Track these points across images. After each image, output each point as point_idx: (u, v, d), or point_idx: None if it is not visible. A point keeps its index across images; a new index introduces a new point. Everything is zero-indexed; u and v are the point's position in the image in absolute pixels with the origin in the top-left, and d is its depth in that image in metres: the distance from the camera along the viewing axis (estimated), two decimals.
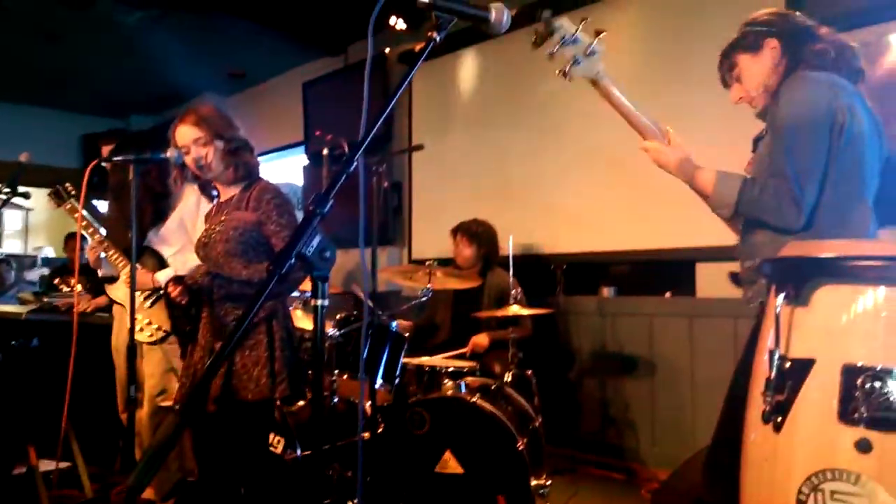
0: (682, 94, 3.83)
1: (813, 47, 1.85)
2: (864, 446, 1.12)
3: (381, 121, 1.40)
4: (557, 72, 1.92)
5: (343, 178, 1.32)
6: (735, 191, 1.78)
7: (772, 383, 1.25)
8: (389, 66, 5.49)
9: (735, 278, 2.06)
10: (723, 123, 3.59)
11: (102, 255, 3.22)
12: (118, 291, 3.27)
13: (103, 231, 3.31)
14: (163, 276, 3.12)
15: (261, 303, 1.25)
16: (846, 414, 1.15)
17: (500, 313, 3.57)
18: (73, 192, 3.32)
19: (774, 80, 1.91)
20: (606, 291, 4.30)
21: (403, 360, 3.28)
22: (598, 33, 1.92)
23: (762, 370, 1.31)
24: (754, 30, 1.95)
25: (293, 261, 1.27)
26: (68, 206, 3.31)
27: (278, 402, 2.56)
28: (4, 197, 3.47)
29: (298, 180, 6.38)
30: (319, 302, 1.32)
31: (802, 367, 1.23)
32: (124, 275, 3.19)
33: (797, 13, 2.03)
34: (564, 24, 1.88)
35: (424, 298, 3.60)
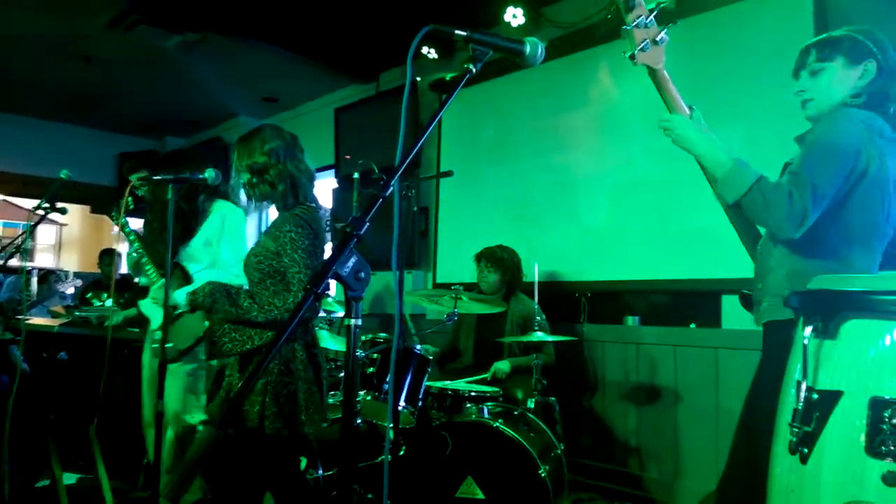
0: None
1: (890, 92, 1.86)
2: (891, 479, 1.12)
3: (417, 147, 1.44)
4: (627, 54, 1.92)
5: (379, 201, 1.36)
6: (752, 178, 1.74)
7: (799, 415, 1.26)
8: (420, 94, 5.59)
9: (745, 300, 2.04)
10: (743, 155, 3.60)
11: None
12: (146, 305, 3.34)
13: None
14: (179, 294, 3.19)
15: (296, 322, 1.29)
16: (873, 447, 1.15)
17: (523, 339, 3.58)
18: (132, 208, 3.37)
19: (841, 100, 1.88)
20: (630, 320, 4.29)
21: (426, 383, 3.29)
22: (668, 22, 1.93)
23: (789, 401, 1.32)
24: (863, 42, 1.88)
25: (329, 281, 1.31)
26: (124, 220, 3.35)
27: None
28: (42, 212, 3.57)
29: (328, 203, 6.48)
30: (353, 322, 1.35)
31: (830, 400, 1.23)
32: (153, 290, 3.26)
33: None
34: (643, 3, 1.89)
35: (450, 322, 3.62)
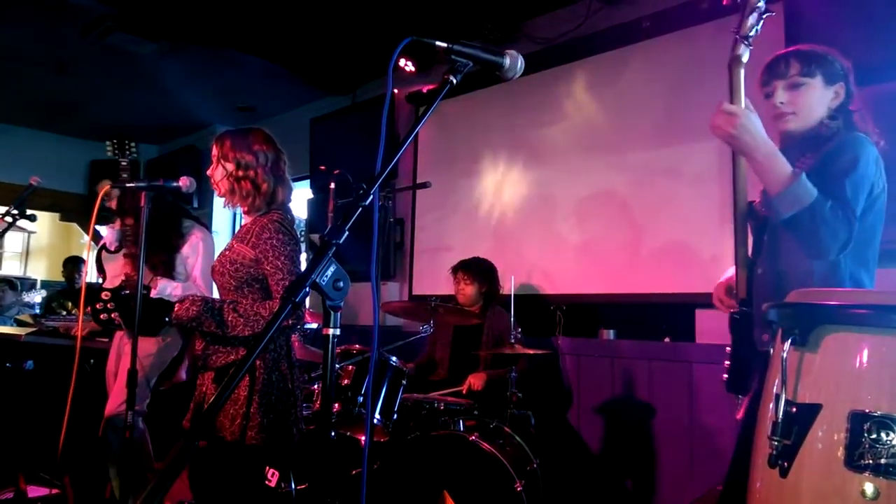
0: (680, 144, 3.92)
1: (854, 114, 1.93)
2: (871, 494, 1.13)
3: (398, 155, 1.43)
4: (740, 38, 1.81)
5: (359, 210, 1.34)
6: (810, 197, 1.67)
7: (778, 428, 1.26)
8: (397, 105, 5.59)
9: (741, 321, 1.99)
10: (715, 172, 3.66)
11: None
12: (109, 261, 3.35)
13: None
14: (163, 283, 3.16)
15: (272, 333, 1.27)
16: (853, 460, 1.15)
17: (499, 352, 3.57)
18: (135, 151, 3.29)
19: (820, 118, 1.91)
20: (606, 334, 4.31)
21: (402, 396, 3.27)
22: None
23: (768, 415, 1.32)
24: (837, 66, 1.92)
25: (307, 290, 1.29)
26: (124, 163, 3.24)
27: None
28: (11, 219, 3.51)
29: (302, 213, 6.44)
30: (332, 331, 1.33)
31: (809, 413, 1.23)
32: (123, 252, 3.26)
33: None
34: None
35: (425, 334, 3.60)
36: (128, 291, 3.01)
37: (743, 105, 1.80)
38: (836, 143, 1.86)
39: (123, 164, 3.21)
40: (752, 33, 1.81)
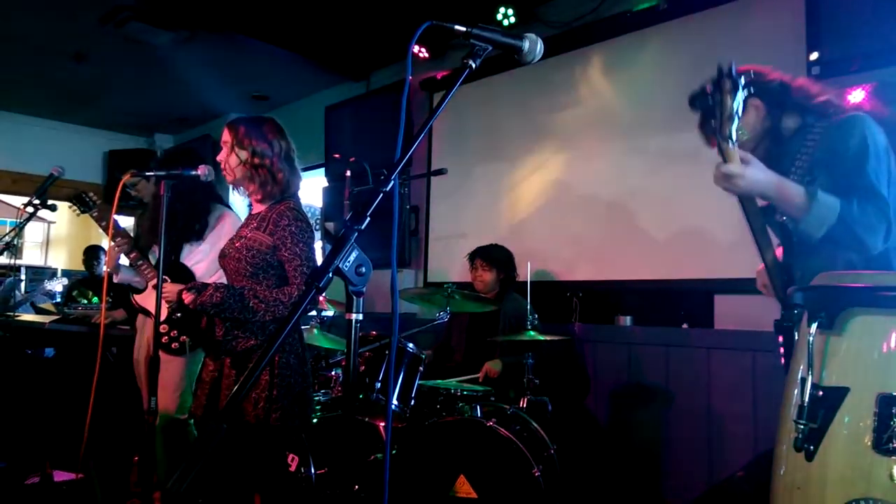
0: (698, 128, 3.87)
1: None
2: None
3: (419, 140, 1.42)
4: (729, 134, 1.80)
5: (380, 195, 1.35)
6: (835, 211, 1.70)
7: (804, 411, 1.26)
8: (411, 92, 5.57)
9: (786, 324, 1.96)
10: None
11: (125, 262, 3.28)
12: (147, 300, 3.29)
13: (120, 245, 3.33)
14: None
15: (298, 316, 1.28)
16: (881, 444, 1.15)
17: (515, 338, 3.57)
18: (97, 201, 3.34)
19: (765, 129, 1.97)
20: (622, 320, 4.29)
21: (419, 382, 3.28)
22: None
23: (794, 398, 1.31)
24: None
25: (330, 275, 1.30)
26: (95, 214, 3.32)
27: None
28: (32, 209, 3.54)
29: (317, 201, 6.45)
30: (354, 316, 1.34)
31: (836, 396, 1.23)
32: (152, 285, 3.23)
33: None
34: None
35: (440, 322, 3.61)
36: (179, 315, 3.05)
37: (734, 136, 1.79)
38: (827, 129, 1.86)
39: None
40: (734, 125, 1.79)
